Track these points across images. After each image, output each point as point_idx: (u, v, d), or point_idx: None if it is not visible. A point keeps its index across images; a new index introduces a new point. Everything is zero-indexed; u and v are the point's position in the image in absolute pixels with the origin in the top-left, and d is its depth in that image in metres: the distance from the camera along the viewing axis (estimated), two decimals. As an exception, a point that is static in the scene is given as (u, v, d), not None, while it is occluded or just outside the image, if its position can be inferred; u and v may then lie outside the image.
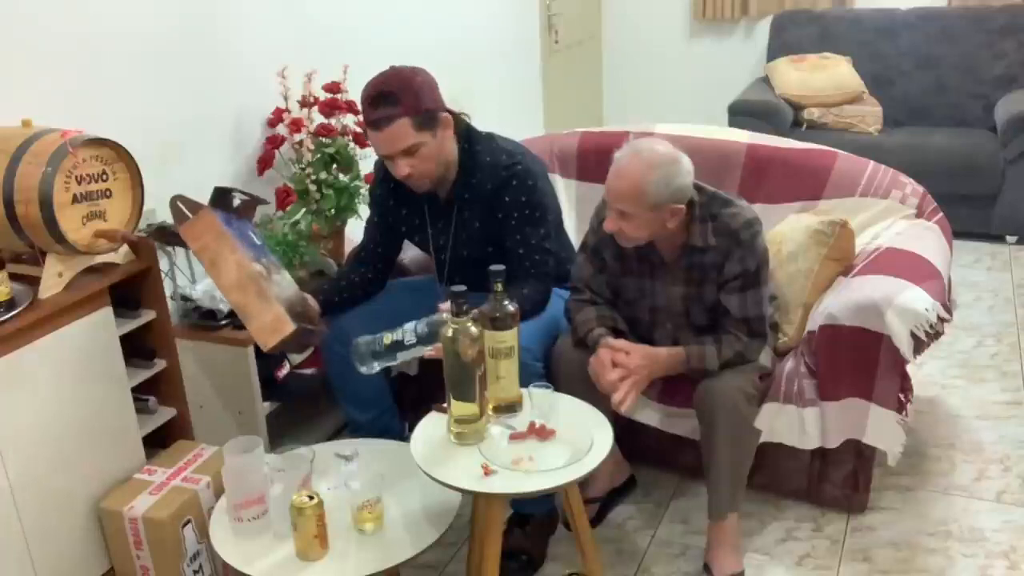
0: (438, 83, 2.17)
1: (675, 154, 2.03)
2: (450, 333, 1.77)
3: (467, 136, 2.23)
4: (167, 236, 2.14)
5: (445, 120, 2.14)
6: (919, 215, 2.58)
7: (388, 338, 1.91)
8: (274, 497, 1.81)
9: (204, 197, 2.76)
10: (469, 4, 4.10)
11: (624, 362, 2.08)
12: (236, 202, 2.10)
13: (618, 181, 2.02)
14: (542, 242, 2.22)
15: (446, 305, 1.84)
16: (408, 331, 1.89)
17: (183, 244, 2.12)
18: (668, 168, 2.00)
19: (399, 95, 2.04)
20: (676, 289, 2.17)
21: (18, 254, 1.99)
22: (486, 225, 2.25)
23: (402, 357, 1.91)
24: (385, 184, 2.34)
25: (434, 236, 2.34)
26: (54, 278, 1.91)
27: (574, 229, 2.89)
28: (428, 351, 1.90)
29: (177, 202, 1.95)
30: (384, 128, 2.05)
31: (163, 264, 2.47)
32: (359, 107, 2.92)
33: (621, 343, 2.12)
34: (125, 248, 2.06)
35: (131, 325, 2.10)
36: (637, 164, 2.00)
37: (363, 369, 1.93)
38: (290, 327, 1.90)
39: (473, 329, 1.77)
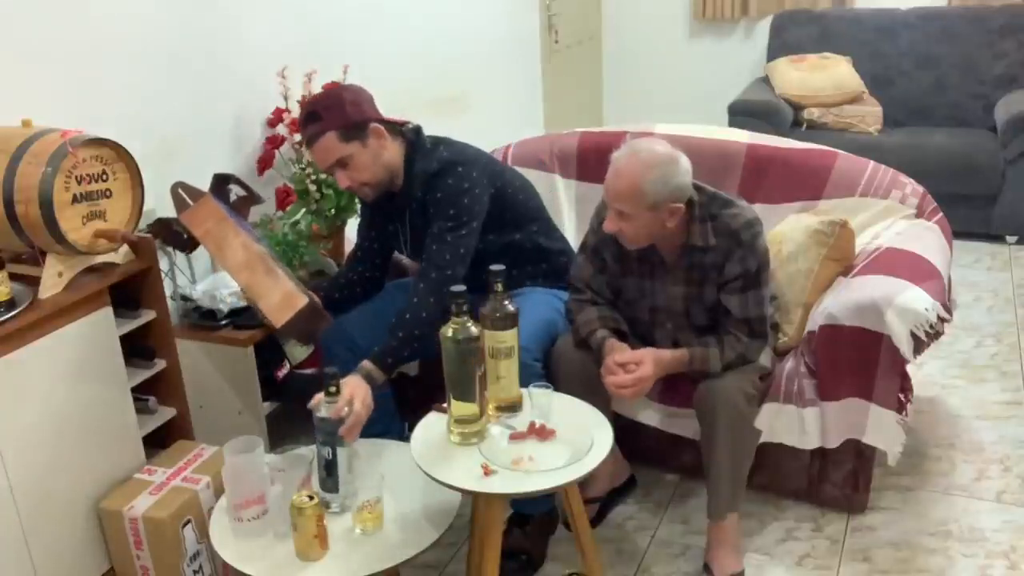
0: (373, 97, 2.23)
1: (673, 153, 2.03)
2: (450, 333, 1.77)
3: (411, 146, 2.26)
4: (167, 231, 2.12)
5: (375, 130, 2.18)
6: (919, 215, 2.58)
7: (320, 471, 1.83)
8: (274, 497, 1.81)
9: (204, 197, 2.76)
10: (469, 4, 4.11)
11: (638, 374, 2.08)
12: (233, 196, 2.11)
13: (616, 181, 2.02)
14: (444, 233, 2.16)
15: (319, 396, 1.83)
16: (319, 449, 1.82)
17: (183, 244, 2.12)
18: (666, 167, 2.00)
19: (322, 112, 2.14)
20: (676, 289, 2.17)
21: (18, 254, 1.99)
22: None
23: (343, 460, 1.82)
24: None
25: (403, 240, 2.38)
26: (54, 278, 1.91)
27: (574, 229, 2.89)
28: (348, 439, 1.85)
29: (178, 189, 1.96)
30: (314, 144, 2.16)
31: (163, 264, 2.47)
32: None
33: (629, 355, 2.11)
34: (125, 248, 2.06)
35: (131, 325, 2.10)
36: (635, 164, 2.00)
37: (342, 492, 1.84)
38: (303, 300, 1.92)
39: (473, 329, 1.77)
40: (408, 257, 2.46)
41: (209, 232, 1.91)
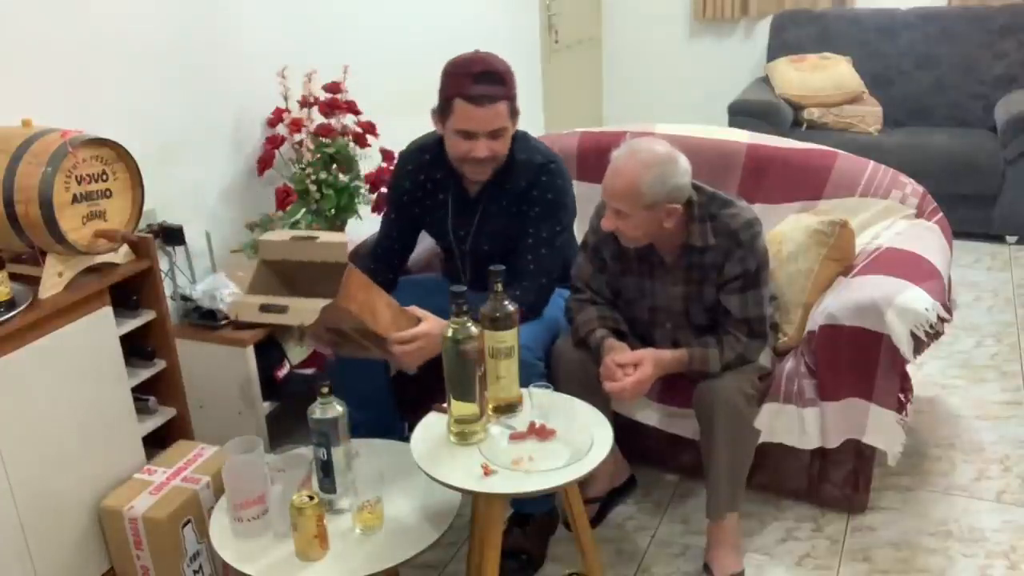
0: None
1: (672, 153, 2.03)
2: (450, 333, 1.77)
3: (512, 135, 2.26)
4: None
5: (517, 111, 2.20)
6: (919, 215, 2.58)
7: (317, 472, 1.84)
8: (274, 497, 1.81)
9: (204, 197, 2.77)
10: (469, 4, 4.10)
11: (637, 376, 2.08)
12: None
13: (614, 180, 2.02)
14: (554, 239, 2.23)
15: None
16: (315, 450, 1.82)
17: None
18: (664, 167, 2.00)
19: (505, 77, 2.12)
20: (676, 289, 2.17)
21: (18, 254, 1.99)
22: (512, 221, 2.26)
23: (339, 461, 1.82)
24: (413, 175, 2.34)
25: (455, 229, 2.35)
26: (54, 278, 1.91)
27: (574, 229, 2.89)
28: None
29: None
30: (487, 105, 2.09)
31: (163, 264, 2.47)
32: (359, 107, 2.93)
33: (628, 356, 2.11)
34: (125, 248, 2.06)
35: (131, 325, 2.10)
36: (633, 163, 2.00)
37: (339, 492, 1.86)
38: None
39: (473, 329, 1.77)
40: (456, 246, 2.38)
41: (363, 304, 1.90)
